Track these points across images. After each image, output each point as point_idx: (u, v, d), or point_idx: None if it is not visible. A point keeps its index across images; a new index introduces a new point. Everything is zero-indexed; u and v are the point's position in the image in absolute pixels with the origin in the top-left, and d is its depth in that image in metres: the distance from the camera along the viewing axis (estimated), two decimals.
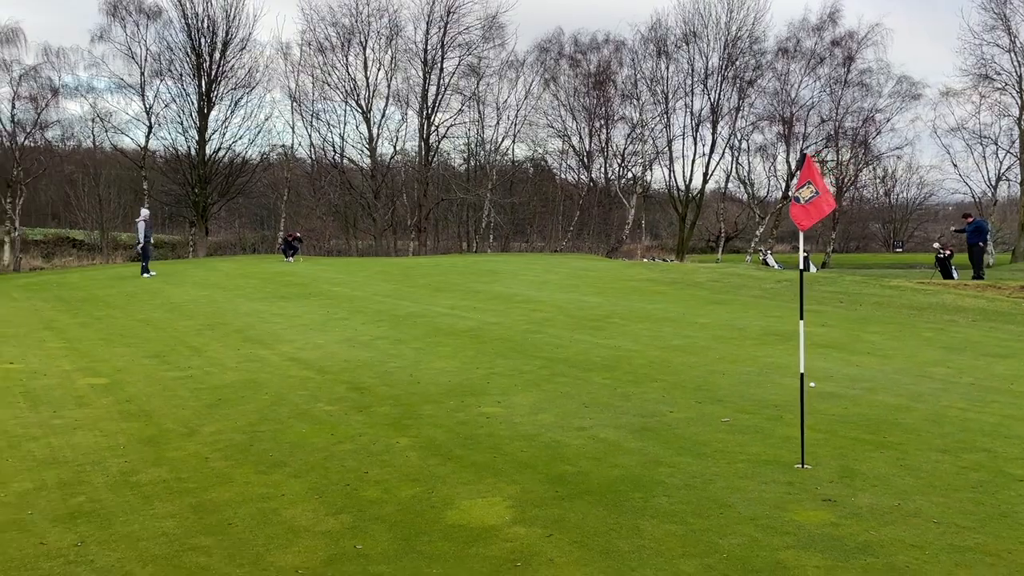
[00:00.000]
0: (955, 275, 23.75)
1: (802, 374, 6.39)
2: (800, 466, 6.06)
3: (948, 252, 24.77)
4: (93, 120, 40.16)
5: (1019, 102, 40.76)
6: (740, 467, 6.08)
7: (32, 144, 38.97)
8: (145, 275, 22.42)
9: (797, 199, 6.13)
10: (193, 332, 12.95)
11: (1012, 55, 40.71)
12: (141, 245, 23.21)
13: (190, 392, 8.79)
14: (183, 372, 9.86)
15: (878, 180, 61.75)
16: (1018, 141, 41.26)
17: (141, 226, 23.04)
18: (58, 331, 13.21)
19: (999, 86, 41.19)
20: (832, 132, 46.91)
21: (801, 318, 6.50)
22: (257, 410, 7.97)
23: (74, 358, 10.80)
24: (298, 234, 31.84)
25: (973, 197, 44.78)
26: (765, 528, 4.92)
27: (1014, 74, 40.76)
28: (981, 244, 23.24)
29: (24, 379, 9.44)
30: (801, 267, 6.54)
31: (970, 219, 24.60)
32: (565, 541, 4.77)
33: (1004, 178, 43.18)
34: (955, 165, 44.52)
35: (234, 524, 5.10)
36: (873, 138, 47.71)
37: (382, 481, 5.88)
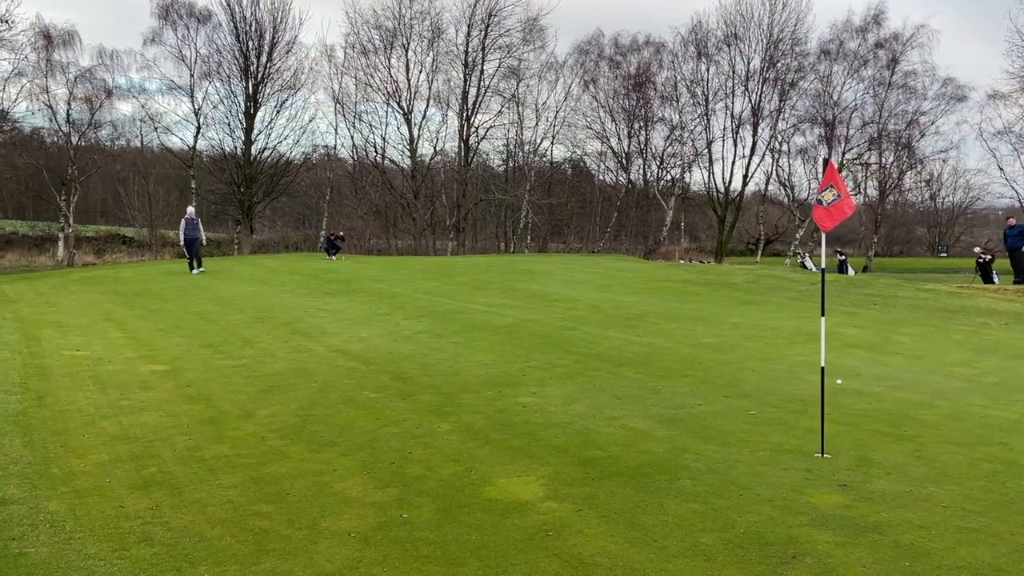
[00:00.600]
0: (996, 280, 23.62)
1: (823, 367, 6.71)
2: (820, 455, 6.39)
3: (989, 257, 24.63)
4: (143, 120, 41.46)
5: None
6: (762, 455, 6.43)
7: (85, 143, 40.33)
8: (192, 271, 23.14)
9: (820, 202, 6.46)
10: (243, 325, 13.57)
11: None
12: (183, 242, 23.59)
13: (244, 379, 9.36)
14: (237, 361, 10.44)
15: (923, 183, 60.94)
16: None
17: (182, 224, 23.58)
18: (117, 322, 13.94)
19: None
20: (875, 135, 46.53)
21: (823, 314, 6.83)
22: (307, 396, 8.50)
23: (135, 347, 11.46)
24: (341, 233, 32.58)
25: (1020, 201, 44.07)
26: (781, 508, 5.27)
27: None
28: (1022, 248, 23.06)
29: (91, 365, 10.10)
30: (823, 264, 6.86)
31: (1013, 222, 24.44)
32: (594, 515, 5.18)
33: None
34: (1001, 169, 43.92)
35: (291, 494, 5.59)
36: (917, 141, 47.24)
37: (425, 460, 6.34)
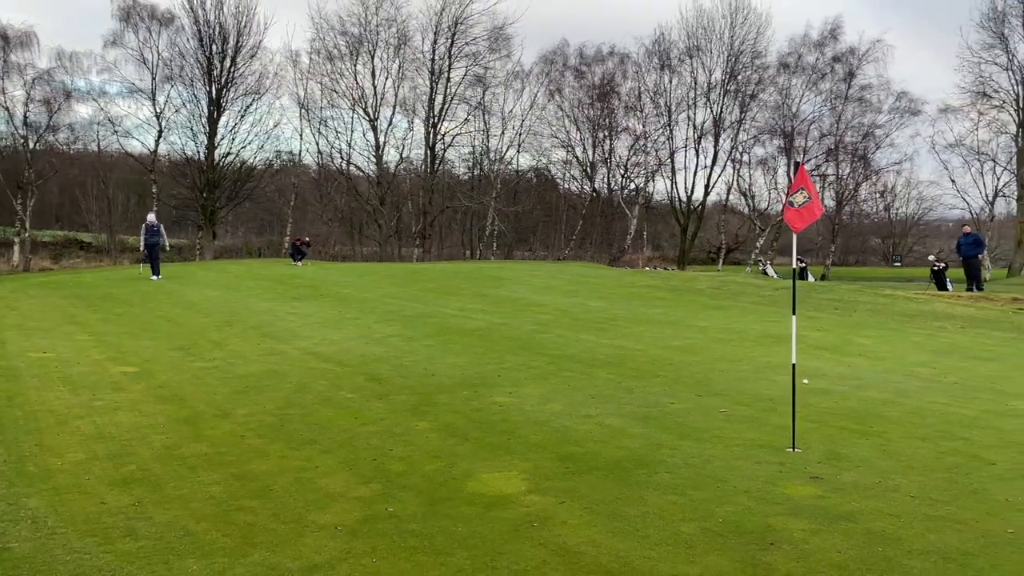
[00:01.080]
0: (950, 287, 24.31)
1: (794, 364, 6.91)
2: (791, 450, 6.57)
3: (943, 265, 25.36)
4: (100, 123, 40.70)
5: (1016, 119, 41.44)
6: (736, 450, 6.60)
7: (42, 147, 39.52)
8: (153, 277, 22.60)
9: (791, 203, 6.67)
10: (213, 328, 13.46)
11: (1010, 73, 41.44)
12: (143, 247, 22.99)
13: (218, 380, 9.31)
14: (209, 363, 10.37)
15: (878, 195, 62.37)
16: (1015, 158, 41.88)
17: (142, 229, 23.02)
18: (83, 325, 13.73)
19: (997, 103, 41.89)
20: (832, 146, 47.57)
21: (794, 312, 7.04)
22: (283, 396, 8.49)
23: (103, 349, 11.32)
24: (307, 239, 32.40)
25: (971, 213, 45.38)
26: (757, 499, 5.43)
27: (1012, 92, 41.46)
28: (980, 257, 23.72)
29: (59, 367, 9.96)
30: (794, 266, 7.07)
31: (968, 230, 25.17)
32: (577, 507, 5.28)
33: (1001, 194, 43.80)
34: (953, 181, 45.17)
35: (274, 490, 5.62)
36: (873, 153, 48.41)
37: (406, 457, 6.39)
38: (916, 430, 7.21)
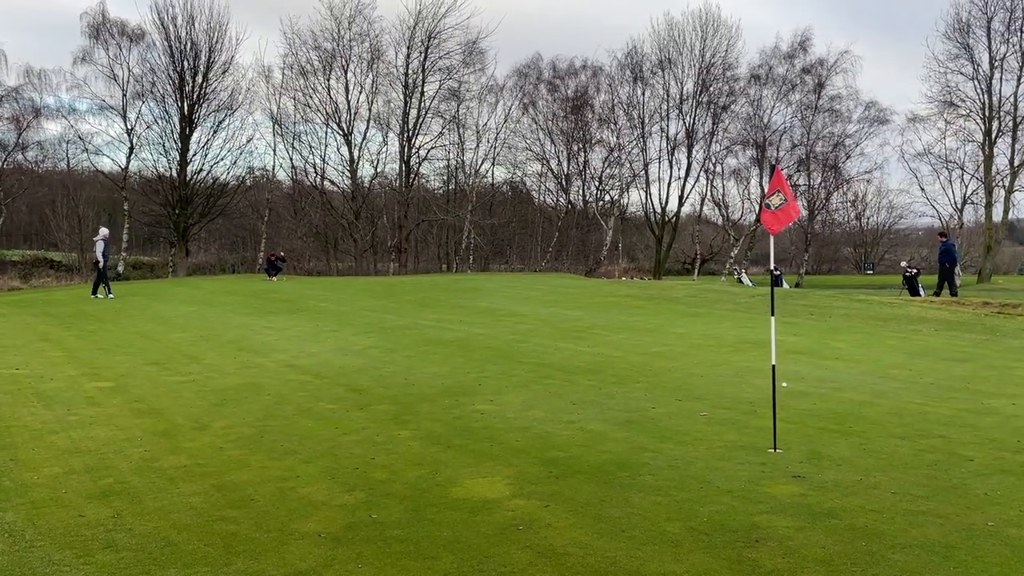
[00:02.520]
0: (922, 293, 24.67)
1: (773, 365, 6.96)
2: (773, 450, 6.61)
3: (915, 271, 25.74)
4: (69, 141, 40.25)
5: (983, 128, 42.26)
6: (718, 451, 6.62)
7: (10, 166, 38.98)
8: (96, 295, 21.88)
9: (768, 206, 6.74)
10: (188, 343, 13.31)
11: (975, 83, 42.31)
12: (101, 264, 22.48)
13: (195, 394, 9.20)
14: (185, 377, 10.25)
15: (849, 204, 63.22)
16: (982, 166, 42.68)
17: (100, 245, 22.44)
18: (55, 342, 13.52)
19: (963, 113, 42.73)
20: (804, 156, 48.21)
21: (772, 314, 7.10)
22: (262, 408, 8.40)
23: (76, 365, 11.14)
24: (281, 254, 32.22)
25: (940, 220, 46.11)
26: (741, 498, 5.45)
27: (977, 101, 42.30)
28: (948, 264, 24.08)
29: (33, 383, 9.79)
30: (771, 267, 7.13)
31: (944, 238, 25.57)
32: (561, 510, 5.27)
33: (970, 201, 44.58)
34: (922, 189, 45.98)
35: (256, 500, 5.55)
36: (843, 162, 49.14)
37: (388, 465, 6.35)
38: (895, 429, 7.29)
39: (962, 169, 44.04)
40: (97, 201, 49.30)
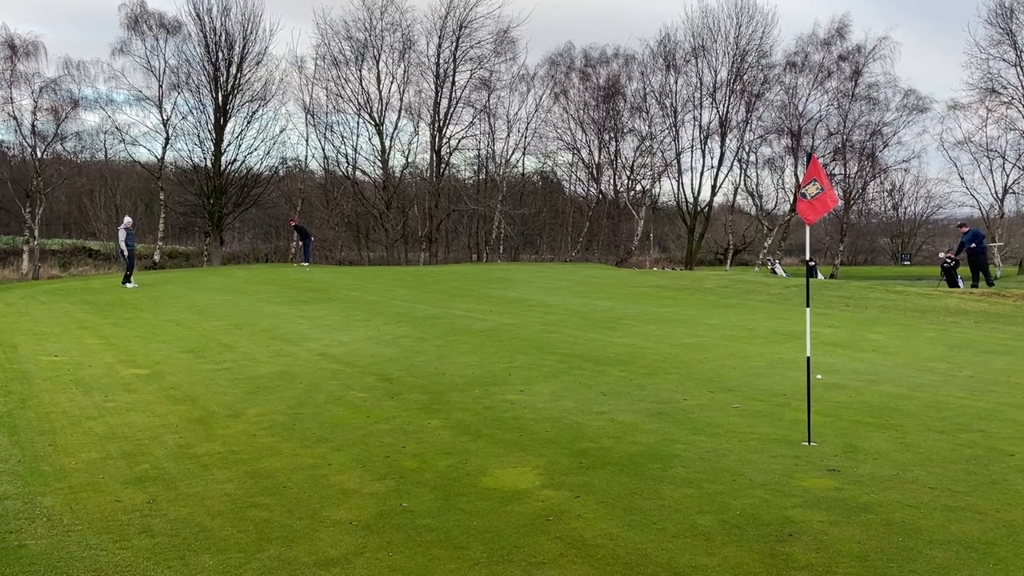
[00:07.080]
0: (961, 284, 24.16)
1: (808, 357, 6.86)
2: (807, 443, 6.52)
3: (955, 262, 25.19)
4: (106, 132, 40.81)
5: None
6: (751, 444, 6.55)
7: (50, 156, 39.67)
8: (127, 284, 22.01)
9: (804, 195, 6.63)
10: (222, 331, 13.47)
11: (1018, 69, 41.15)
12: (126, 253, 22.40)
13: (229, 382, 9.30)
14: (219, 365, 10.37)
15: (885, 193, 62.10)
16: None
17: (122, 234, 22.38)
18: (93, 330, 13.75)
19: (1005, 100, 41.59)
20: (840, 145, 47.39)
21: (808, 305, 6.99)
22: (294, 396, 8.48)
23: (114, 352, 11.33)
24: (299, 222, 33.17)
25: (980, 210, 45.10)
26: (774, 491, 5.38)
27: (1020, 88, 41.21)
28: (979, 252, 23.46)
29: (71, 369, 9.97)
30: (807, 257, 7.02)
31: (965, 229, 24.99)
32: (592, 501, 5.24)
33: (1011, 191, 43.52)
34: (962, 178, 44.82)
35: (288, 487, 5.59)
36: (880, 151, 48.18)
37: (419, 454, 6.37)
38: (933, 423, 7.15)
39: (1003, 158, 42.92)
40: (134, 191, 50.09)
